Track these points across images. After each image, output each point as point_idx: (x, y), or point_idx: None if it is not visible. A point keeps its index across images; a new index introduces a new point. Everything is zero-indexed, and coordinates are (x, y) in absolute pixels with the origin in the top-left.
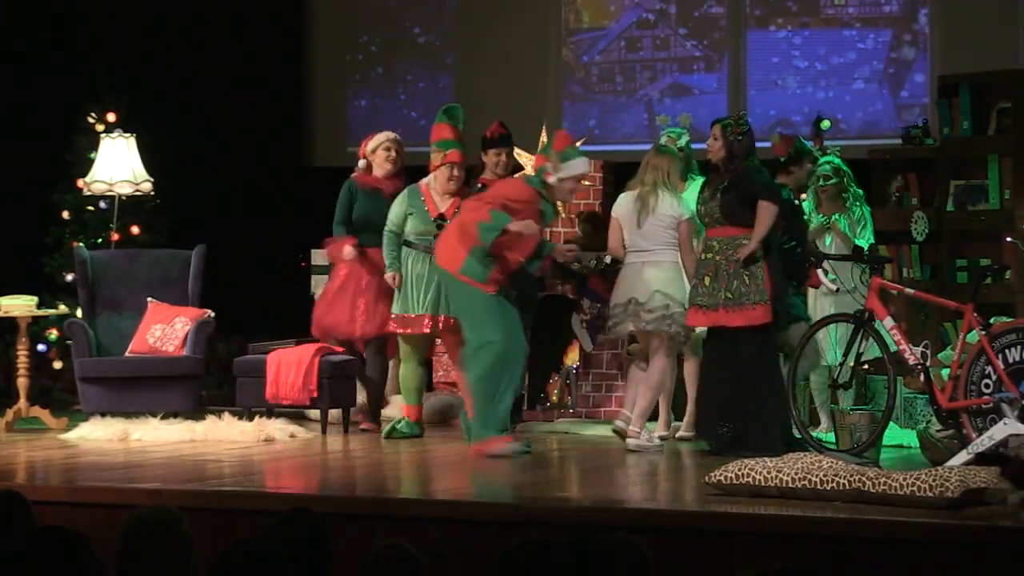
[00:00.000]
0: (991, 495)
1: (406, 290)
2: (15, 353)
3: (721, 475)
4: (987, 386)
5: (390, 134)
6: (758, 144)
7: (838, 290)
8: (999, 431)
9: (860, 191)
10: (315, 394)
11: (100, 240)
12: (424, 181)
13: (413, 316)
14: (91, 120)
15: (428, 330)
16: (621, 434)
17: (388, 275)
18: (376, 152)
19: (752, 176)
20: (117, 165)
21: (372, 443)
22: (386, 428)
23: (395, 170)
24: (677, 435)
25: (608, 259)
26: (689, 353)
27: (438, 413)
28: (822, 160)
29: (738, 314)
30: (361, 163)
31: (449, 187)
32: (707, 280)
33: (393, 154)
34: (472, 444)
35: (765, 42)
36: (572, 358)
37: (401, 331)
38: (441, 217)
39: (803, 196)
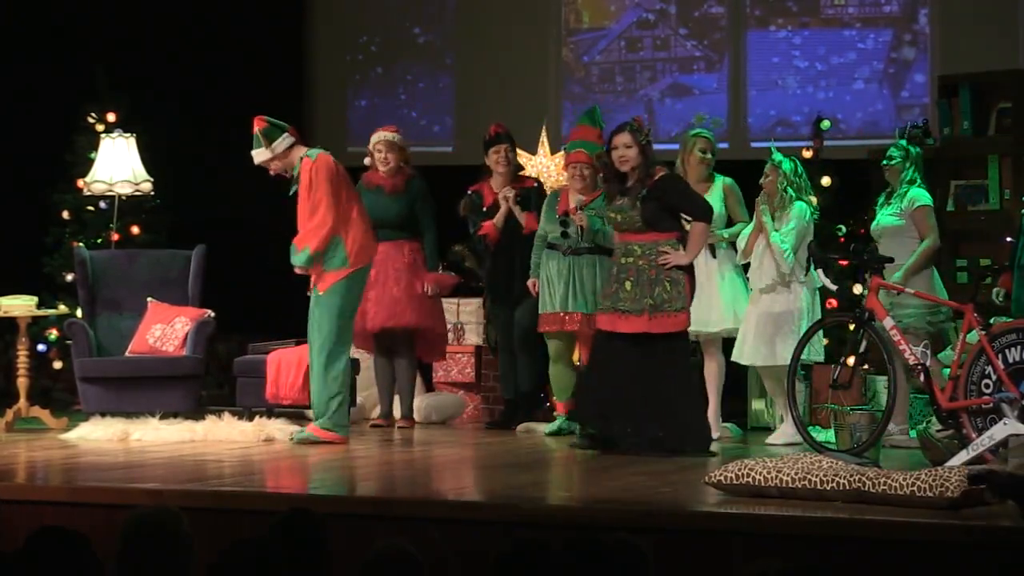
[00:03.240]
0: (991, 494)
1: (551, 289)
2: (15, 353)
3: (721, 475)
4: (987, 386)
5: (385, 135)
6: (758, 145)
7: (837, 289)
8: (999, 431)
9: (799, 199)
10: None
11: (100, 240)
12: (565, 182)
13: (552, 314)
14: (91, 120)
15: (575, 327)
16: None
17: (529, 282)
18: (371, 150)
19: (681, 189)
20: (117, 165)
21: (372, 443)
22: (550, 427)
23: (387, 170)
24: None
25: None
26: (714, 353)
27: (438, 413)
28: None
29: (661, 321)
30: (367, 160)
31: (575, 184)
32: (628, 285)
33: (382, 155)
34: None
35: (765, 42)
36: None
37: (543, 329)
38: (565, 214)
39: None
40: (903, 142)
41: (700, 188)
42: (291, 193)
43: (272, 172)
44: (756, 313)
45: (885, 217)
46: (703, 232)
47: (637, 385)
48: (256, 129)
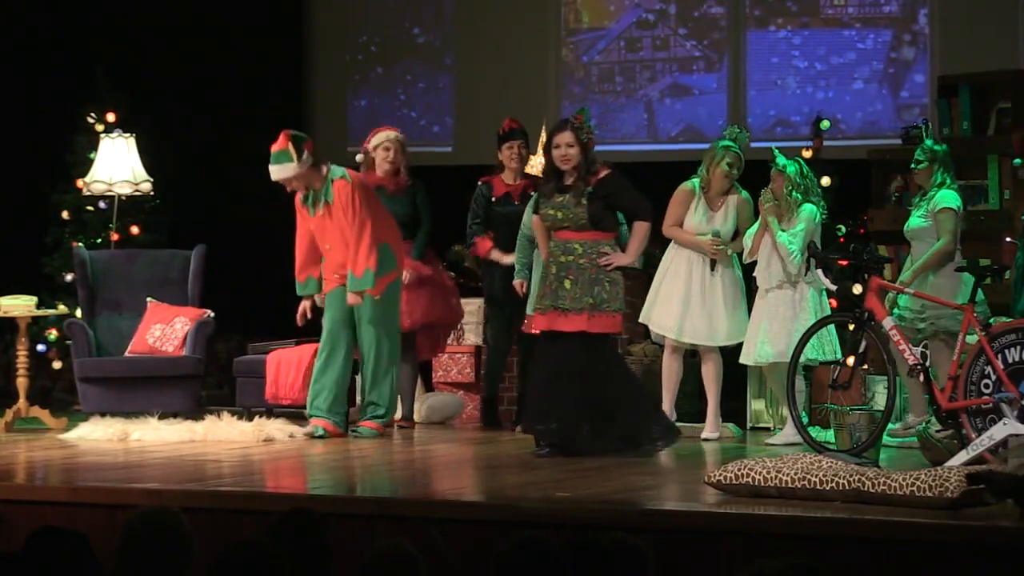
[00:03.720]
0: (991, 495)
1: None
2: (15, 353)
3: (721, 475)
4: (987, 386)
5: (391, 133)
6: (758, 145)
7: (837, 289)
8: (999, 431)
9: (807, 200)
10: None
11: (100, 240)
12: None
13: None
14: (91, 120)
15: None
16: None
17: (516, 282)
18: (377, 150)
19: (627, 191)
20: (117, 165)
21: (372, 443)
22: None
23: (394, 169)
24: (702, 436)
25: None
26: (712, 354)
27: (438, 413)
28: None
29: (600, 320)
30: (359, 157)
31: None
32: (568, 284)
33: (391, 154)
34: None
35: (765, 42)
36: None
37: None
38: None
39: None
40: (929, 142)
41: (719, 200)
42: (313, 214)
43: (290, 188)
44: (763, 313)
45: (914, 219)
46: (646, 232)
47: (583, 384)
48: (283, 144)
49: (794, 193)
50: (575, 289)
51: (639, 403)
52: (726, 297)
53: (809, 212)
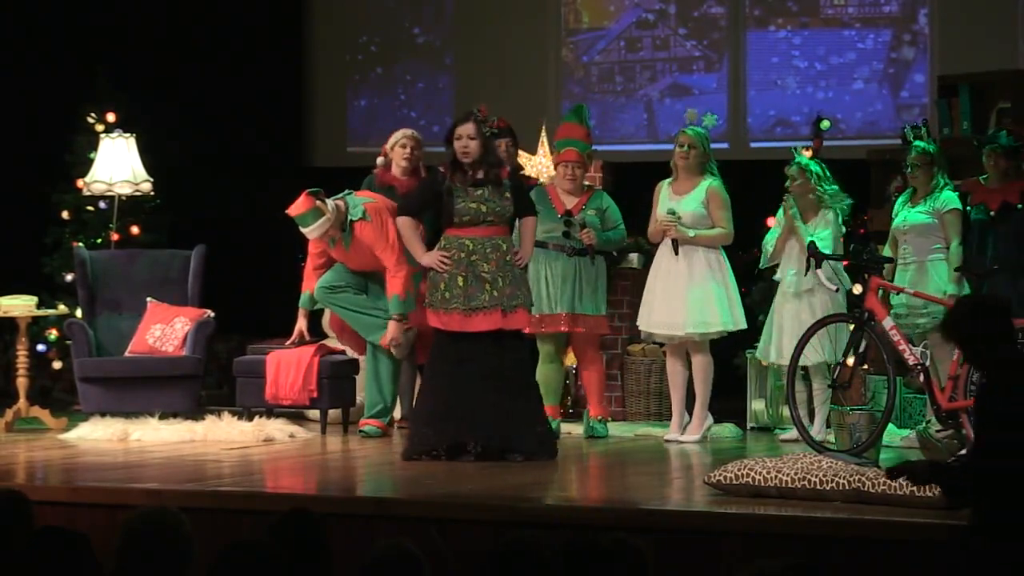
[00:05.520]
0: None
1: (540, 289)
2: (15, 353)
3: (720, 475)
4: None
5: (408, 131)
6: (757, 145)
7: (837, 290)
8: None
9: (833, 188)
10: (315, 394)
11: (100, 240)
12: (550, 180)
13: (550, 315)
14: (91, 120)
15: (565, 328)
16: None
17: None
18: (395, 149)
19: (523, 188)
20: (116, 165)
21: (372, 443)
22: (584, 430)
23: (411, 167)
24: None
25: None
26: (701, 349)
27: None
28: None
29: (515, 317)
30: (380, 160)
31: (564, 184)
32: (461, 281)
33: (408, 151)
34: None
35: (765, 42)
36: (571, 358)
37: (538, 331)
38: (568, 213)
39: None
40: (921, 144)
41: (686, 185)
42: (333, 247)
43: (327, 238)
44: (791, 313)
45: (914, 215)
46: (534, 226)
47: (488, 383)
48: (310, 203)
49: (822, 185)
50: (467, 287)
51: (538, 405)
52: (693, 285)
53: (836, 215)
